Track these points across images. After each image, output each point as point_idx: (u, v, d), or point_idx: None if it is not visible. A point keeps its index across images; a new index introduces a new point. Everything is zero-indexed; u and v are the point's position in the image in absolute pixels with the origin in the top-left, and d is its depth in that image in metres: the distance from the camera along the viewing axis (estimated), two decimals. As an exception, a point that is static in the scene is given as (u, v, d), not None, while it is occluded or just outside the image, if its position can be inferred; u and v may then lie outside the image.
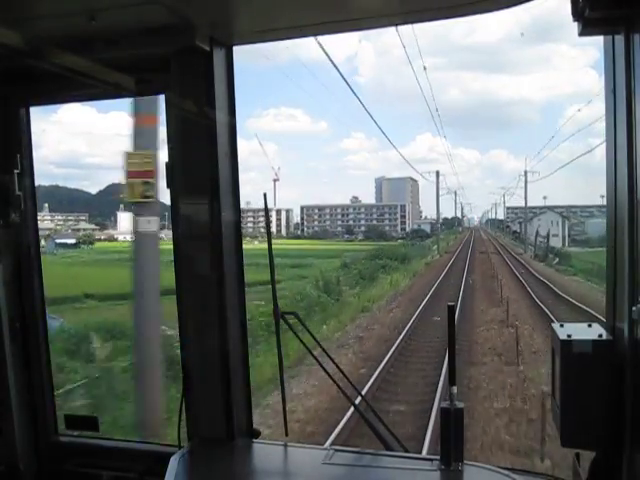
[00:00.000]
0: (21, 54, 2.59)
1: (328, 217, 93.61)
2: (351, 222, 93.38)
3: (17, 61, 2.69)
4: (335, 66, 47.31)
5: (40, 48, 2.59)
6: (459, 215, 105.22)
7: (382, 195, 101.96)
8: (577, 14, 2.04)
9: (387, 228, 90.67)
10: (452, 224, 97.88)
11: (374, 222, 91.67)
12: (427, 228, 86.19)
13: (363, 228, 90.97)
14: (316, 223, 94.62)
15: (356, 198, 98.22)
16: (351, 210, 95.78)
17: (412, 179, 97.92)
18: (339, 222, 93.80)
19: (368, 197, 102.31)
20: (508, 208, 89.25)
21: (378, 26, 2.78)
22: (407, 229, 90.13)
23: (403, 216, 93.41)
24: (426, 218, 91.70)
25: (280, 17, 2.51)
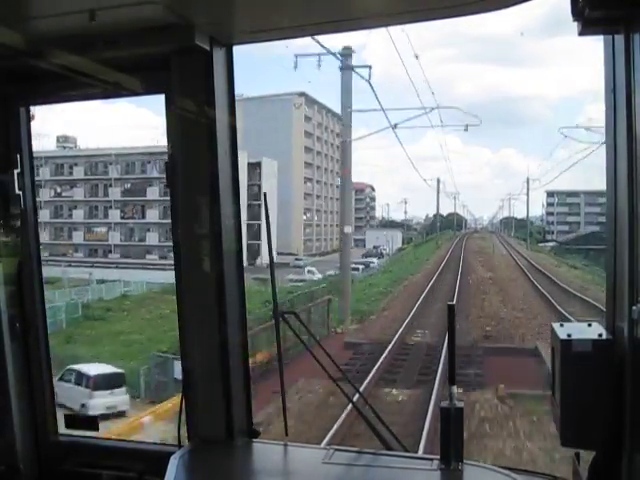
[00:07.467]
0: (21, 54, 2.59)
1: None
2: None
3: (17, 61, 2.69)
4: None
5: (40, 48, 2.59)
6: (461, 212, 73.30)
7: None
8: (577, 14, 2.04)
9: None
10: (450, 227, 60.36)
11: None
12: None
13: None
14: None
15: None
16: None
17: (318, 104, 44.27)
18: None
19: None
20: (549, 194, 46.13)
21: (379, 25, 2.79)
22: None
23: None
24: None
25: (280, 16, 2.51)
